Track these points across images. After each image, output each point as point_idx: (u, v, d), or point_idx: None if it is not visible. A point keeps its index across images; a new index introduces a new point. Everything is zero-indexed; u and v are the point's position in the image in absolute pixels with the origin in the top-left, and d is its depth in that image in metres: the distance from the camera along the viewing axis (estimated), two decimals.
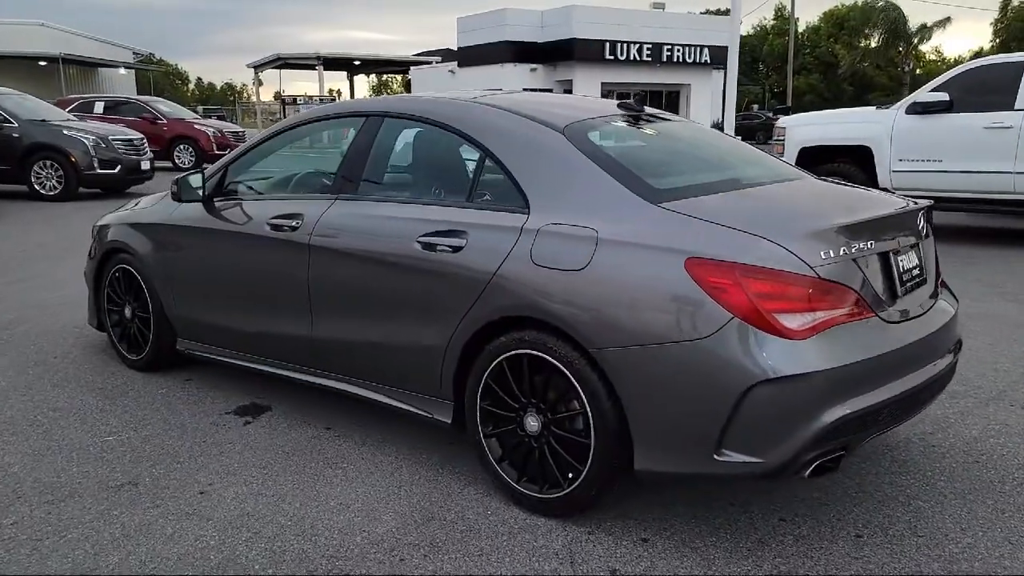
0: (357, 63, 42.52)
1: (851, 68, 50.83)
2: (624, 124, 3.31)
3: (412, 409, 3.24)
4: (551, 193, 2.86)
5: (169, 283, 4.18)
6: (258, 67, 43.09)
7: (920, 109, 8.55)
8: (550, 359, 2.73)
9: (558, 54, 31.03)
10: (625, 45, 30.86)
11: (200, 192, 3.93)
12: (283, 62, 41.33)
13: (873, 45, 51.86)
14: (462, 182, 3.28)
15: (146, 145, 13.84)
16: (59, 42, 35.96)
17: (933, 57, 64.51)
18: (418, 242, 3.07)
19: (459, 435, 3.19)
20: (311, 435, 3.65)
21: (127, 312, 4.51)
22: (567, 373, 2.69)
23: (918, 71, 52.32)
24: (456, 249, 2.96)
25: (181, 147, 18.91)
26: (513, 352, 2.83)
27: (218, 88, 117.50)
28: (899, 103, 8.97)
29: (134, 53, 46.83)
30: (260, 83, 50.66)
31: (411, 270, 3.09)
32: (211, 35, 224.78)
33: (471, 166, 3.14)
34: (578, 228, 2.70)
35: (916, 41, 43.96)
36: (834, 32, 59.19)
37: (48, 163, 12.56)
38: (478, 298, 2.88)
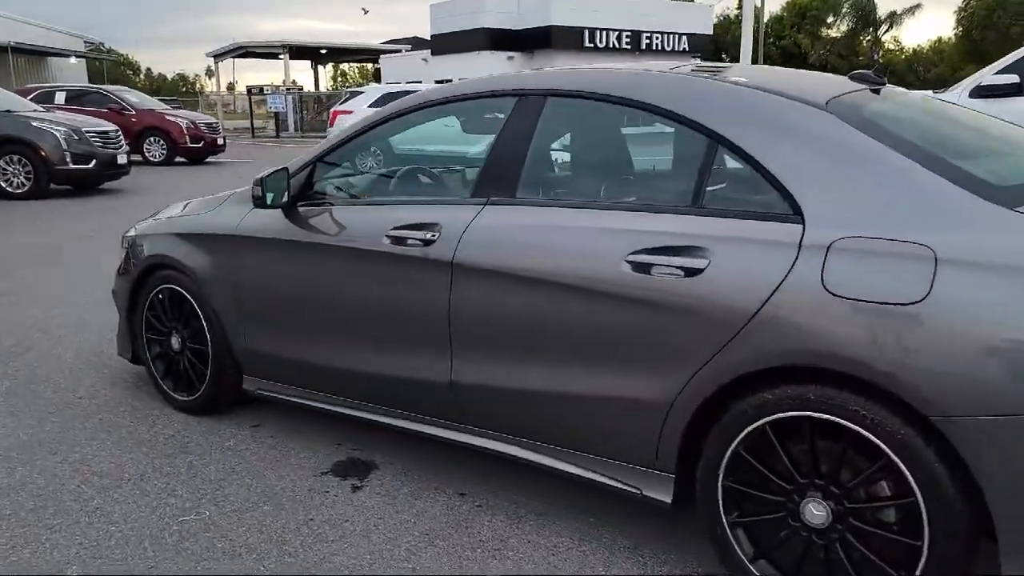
0: (323, 52, 41.18)
1: (819, 59, 50.77)
2: (881, 101, 2.55)
3: (610, 482, 2.47)
4: (836, 194, 2.10)
5: (237, 309, 3.34)
6: (218, 56, 41.54)
7: (986, 92, 7.93)
8: (854, 427, 1.98)
9: (536, 42, 30.21)
10: (604, 32, 30.16)
11: (284, 195, 3.10)
12: (245, 51, 39.85)
13: (834, 34, 51.95)
14: (682, 180, 2.51)
15: (122, 137, 12.75)
16: (5, 30, 34.06)
17: (892, 46, 64.95)
18: (628, 261, 2.29)
19: (673, 513, 2.44)
20: (446, 505, 2.86)
21: (174, 342, 3.66)
22: (885, 447, 1.94)
23: (880, 60, 52.50)
24: (691, 272, 2.19)
25: (151, 140, 17.74)
26: (786, 414, 2.08)
27: (169, 79, 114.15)
28: (959, 86, 8.37)
29: (85, 42, 44.83)
30: (212, 74, 49.00)
31: (616, 299, 2.31)
32: (158, 24, 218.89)
33: (694, 159, 2.36)
34: (901, 244, 1.95)
35: (886, 28, 44.00)
36: (796, 21, 59.14)
37: (15, 158, 11.42)
38: (732, 339, 2.12)
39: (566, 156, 2.86)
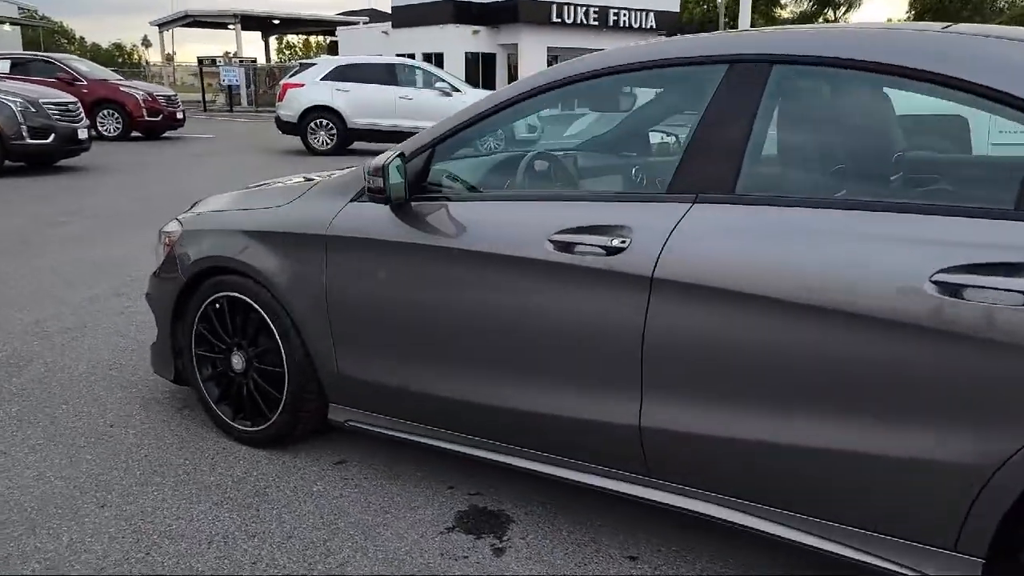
0: (276, 22, 39.65)
1: None
2: None
3: (873, 561, 1.94)
4: None
5: (327, 326, 2.73)
6: (163, 25, 39.77)
7: None
8: None
9: (502, 15, 29.39)
10: (572, 8, 29.49)
11: (402, 188, 2.49)
12: (192, 20, 38.18)
13: (787, 15, 52.07)
14: (998, 173, 1.97)
15: (81, 110, 11.76)
16: None
17: None
18: (934, 282, 1.76)
19: None
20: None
21: (235, 362, 3.03)
22: None
23: None
24: None
25: (105, 112, 16.61)
26: None
27: (104, 48, 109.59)
28: None
29: (19, 8, 42.45)
30: (149, 44, 47.14)
31: (913, 331, 1.78)
32: None
33: (1015, 147, 1.83)
34: None
35: (845, 9, 44.22)
36: (752, 2, 59.25)
37: None
38: None
39: (803, 140, 2.29)
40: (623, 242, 2.13)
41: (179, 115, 17.56)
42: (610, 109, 2.75)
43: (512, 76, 30.74)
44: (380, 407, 2.74)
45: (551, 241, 2.25)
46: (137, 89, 17.01)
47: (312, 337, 2.78)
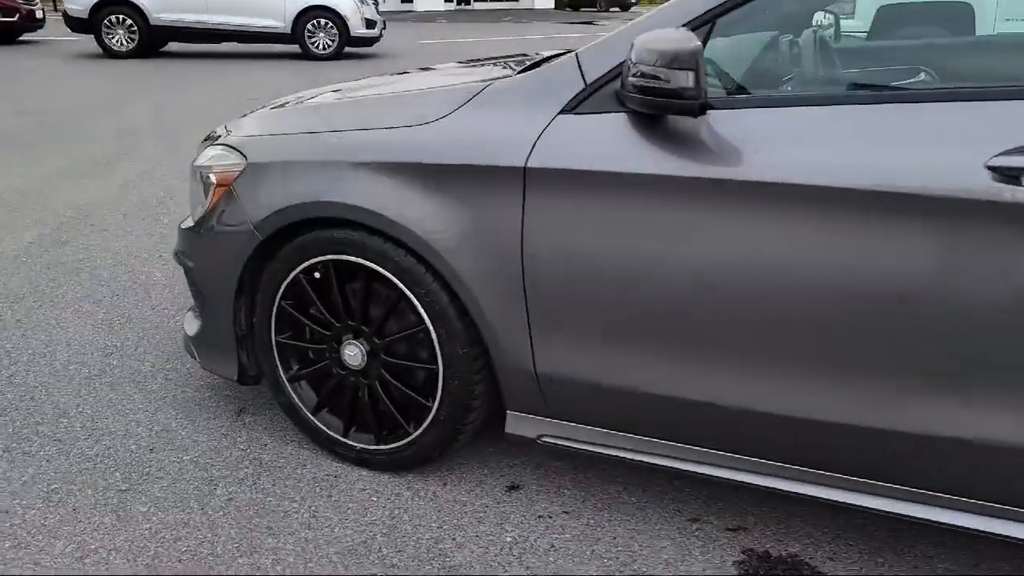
0: None
1: None
2: None
3: None
4: None
5: (524, 303, 1.82)
6: None
7: None
8: None
9: None
10: None
11: (698, 88, 1.55)
12: None
13: None
14: None
15: None
16: None
17: None
18: None
19: None
20: None
21: (350, 354, 2.08)
22: None
23: None
24: None
25: None
26: None
27: None
28: None
29: None
30: None
31: None
32: None
33: None
34: None
35: None
36: None
37: None
38: None
39: None
40: None
41: (38, 14, 15.18)
42: None
43: None
44: (599, 418, 1.88)
45: (990, 168, 1.41)
46: None
47: (491, 319, 1.86)
